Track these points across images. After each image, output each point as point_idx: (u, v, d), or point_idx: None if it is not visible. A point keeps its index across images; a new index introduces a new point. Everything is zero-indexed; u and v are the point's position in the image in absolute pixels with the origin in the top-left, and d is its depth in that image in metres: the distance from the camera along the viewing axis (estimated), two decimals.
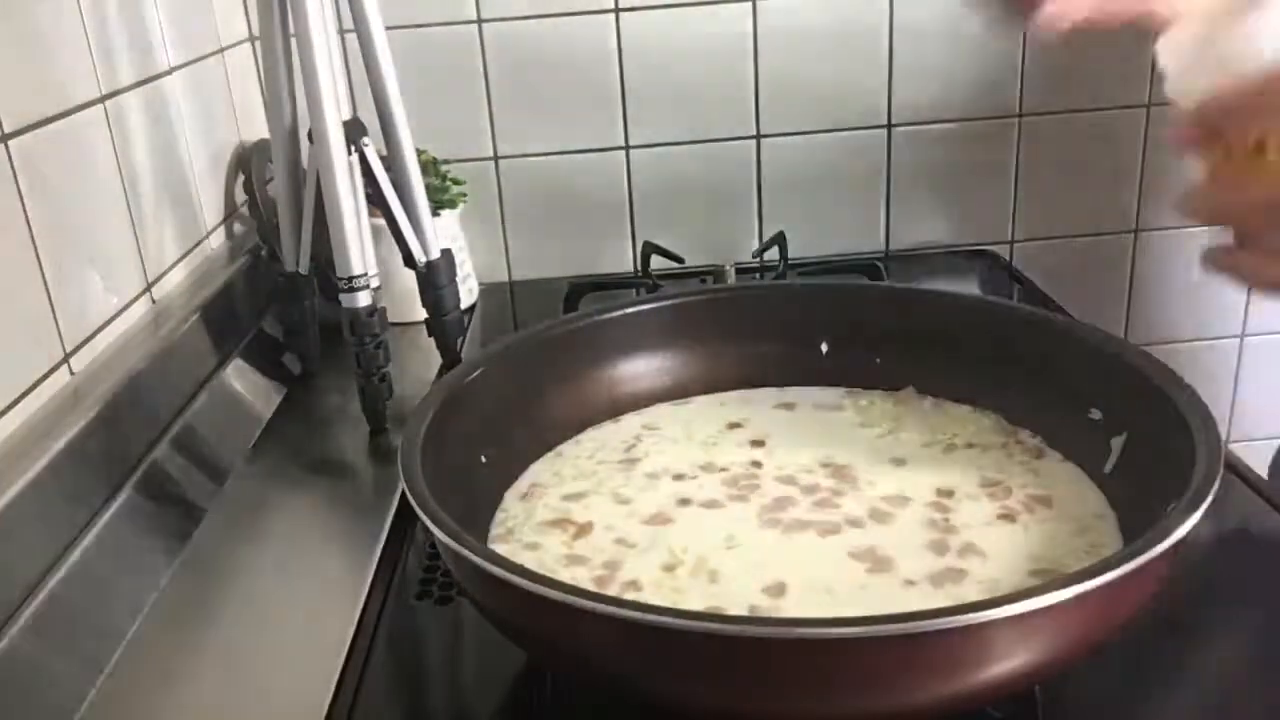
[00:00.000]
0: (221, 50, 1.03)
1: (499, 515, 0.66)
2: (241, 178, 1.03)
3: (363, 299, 0.82)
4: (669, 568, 0.59)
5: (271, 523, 0.75)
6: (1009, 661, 0.45)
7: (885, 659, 0.44)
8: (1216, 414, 0.56)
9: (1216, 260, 0.56)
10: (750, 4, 1.12)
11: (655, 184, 1.18)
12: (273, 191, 0.93)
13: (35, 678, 0.56)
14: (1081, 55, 1.15)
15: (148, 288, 0.84)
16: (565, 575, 0.59)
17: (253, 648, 0.62)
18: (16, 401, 0.64)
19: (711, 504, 0.65)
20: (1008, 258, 1.22)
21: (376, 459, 0.83)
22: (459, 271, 0.95)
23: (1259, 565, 0.66)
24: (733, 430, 0.74)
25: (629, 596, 0.56)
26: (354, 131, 0.82)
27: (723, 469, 0.69)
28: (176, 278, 0.89)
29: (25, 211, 0.67)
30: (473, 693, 0.61)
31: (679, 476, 0.68)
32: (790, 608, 0.55)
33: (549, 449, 0.72)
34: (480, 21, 1.11)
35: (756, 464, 0.69)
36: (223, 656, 0.61)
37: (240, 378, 0.89)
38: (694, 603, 0.56)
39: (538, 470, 0.70)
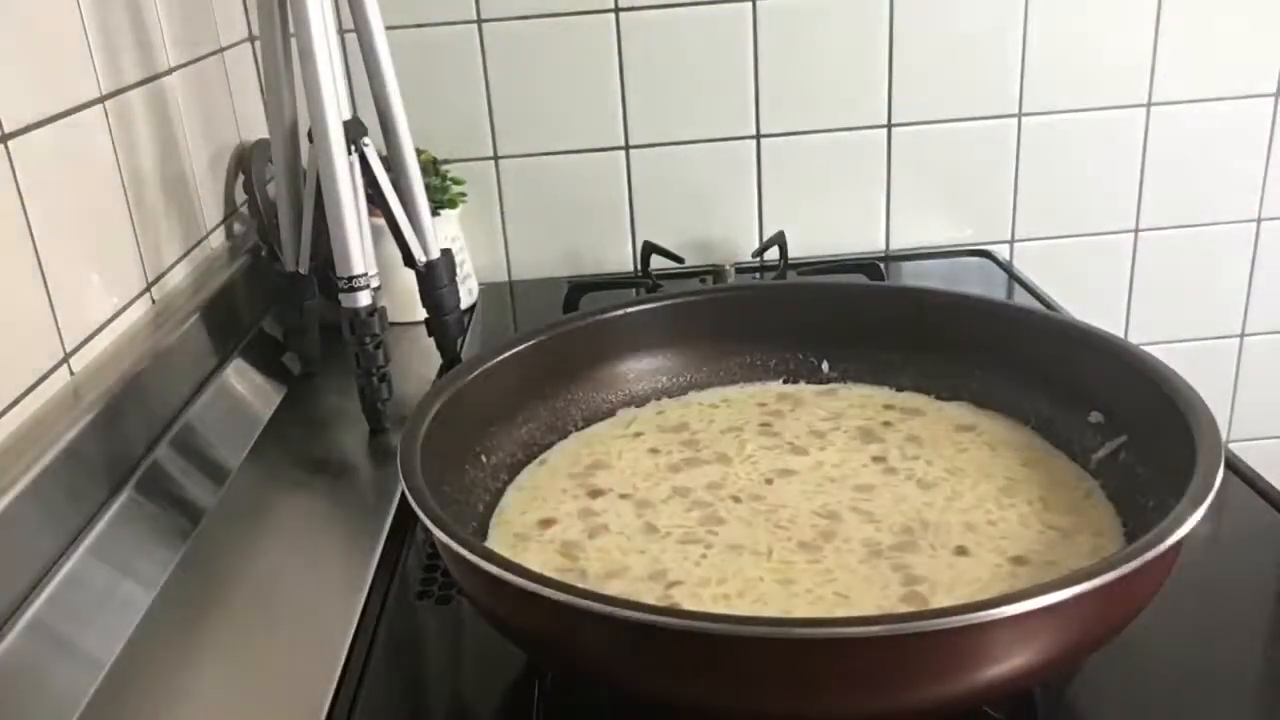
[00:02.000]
0: (221, 50, 1.03)
1: (499, 515, 0.66)
2: (241, 178, 1.03)
3: (363, 299, 0.82)
4: (659, 575, 0.59)
5: (271, 523, 0.75)
6: (1009, 661, 0.45)
7: (885, 659, 0.44)
8: (1216, 414, 0.56)
9: None
10: (750, 4, 1.12)
11: (655, 184, 1.18)
12: (273, 191, 0.93)
13: (35, 678, 0.56)
14: (1081, 54, 1.15)
15: (148, 288, 0.84)
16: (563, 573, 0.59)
17: (253, 647, 0.62)
18: (16, 401, 0.64)
19: (700, 499, 0.66)
20: (1008, 258, 1.22)
21: (376, 459, 0.83)
22: (459, 271, 0.95)
23: (1259, 565, 0.66)
24: (730, 431, 0.74)
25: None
26: (354, 131, 0.82)
27: (715, 462, 0.69)
28: (177, 278, 0.89)
29: (25, 211, 0.67)
30: (473, 693, 0.61)
31: (675, 469, 0.69)
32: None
33: (548, 448, 0.72)
34: (480, 21, 1.11)
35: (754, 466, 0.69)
36: (223, 656, 0.61)
37: (240, 378, 0.89)
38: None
39: (537, 470, 0.70)
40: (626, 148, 1.17)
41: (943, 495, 0.64)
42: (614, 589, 0.57)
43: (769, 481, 0.67)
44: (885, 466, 0.68)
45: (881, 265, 1.14)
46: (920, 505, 0.63)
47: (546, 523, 0.64)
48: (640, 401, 0.77)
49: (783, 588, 0.56)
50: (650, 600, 0.56)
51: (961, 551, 0.59)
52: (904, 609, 0.54)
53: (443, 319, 0.91)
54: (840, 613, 0.54)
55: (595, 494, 0.67)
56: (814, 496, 0.65)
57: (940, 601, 0.55)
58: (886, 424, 0.73)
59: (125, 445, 0.71)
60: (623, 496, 0.66)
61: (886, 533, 0.61)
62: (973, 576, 0.57)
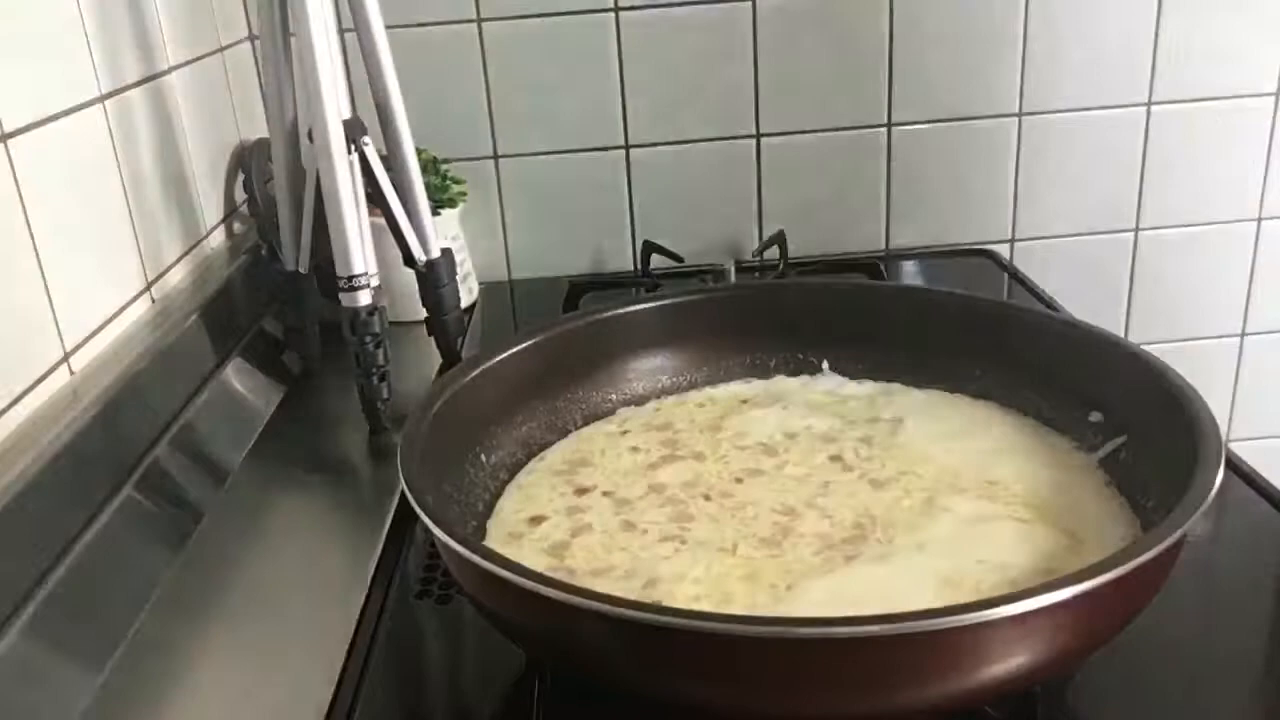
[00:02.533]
0: (221, 50, 1.03)
1: (498, 515, 0.66)
2: (241, 177, 1.03)
3: (363, 298, 0.82)
4: (638, 573, 0.59)
5: (271, 523, 0.75)
6: (1009, 661, 0.45)
7: (885, 659, 0.44)
8: (1216, 414, 0.56)
9: None
10: (750, 3, 1.12)
11: (655, 184, 1.18)
12: (273, 191, 0.93)
13: (35, 678, 0.56)
14: (1081, 54, 1.15)
15: (148, 287, 0.84)
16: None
17: (253, 647, 0.62)
18: (16, 401, 0.64)
19: (674, 496, 0.66)
20: (1008, 258, 1.22)
21: (376, 459, 0.83)
22: (459, 271, 0.95)
23: (1259, 565, 0.66)
24: (728, 431, 0.74)
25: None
26: (354, 131, 0.82)
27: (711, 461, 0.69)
28: (176, 277, 0.89)
29: (25, 211, 0.67)
30: (473, 693, 0.61)
31: (654, 467, 0.69)
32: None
33: (548, 448, 0.72)
34: (480, 21, 1.11)
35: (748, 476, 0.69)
36: (223, 656, 0.61)
37: (240, 377, 0.89)
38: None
39: (534, 469, 0.70)
40: (626, 148, 1.17)
41: (935, 495, 0.64)
42: (599, 588, 0.57)
43: (739, 480, 0.67)
44: (861, 461, 0.68)
45: (881, 265, 1.14)
46: (876, 500, 0.64)
47: (536, 520, 0.65)
48: (640, 401, 0.77)
49: (747, 583, 0.57)
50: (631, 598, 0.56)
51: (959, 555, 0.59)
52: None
53: (443, 319, 0.91)
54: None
55: (581, 492, 0.67)
56: (779, 494, 0.65)
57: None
58: (878, 421, 0.73)
59: (125, 445, 0.71)
60: (605, 494, 0.67)
61: (839, 528, 0.61)
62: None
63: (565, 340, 0.75)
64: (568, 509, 0.66)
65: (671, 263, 1.12)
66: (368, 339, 0.82)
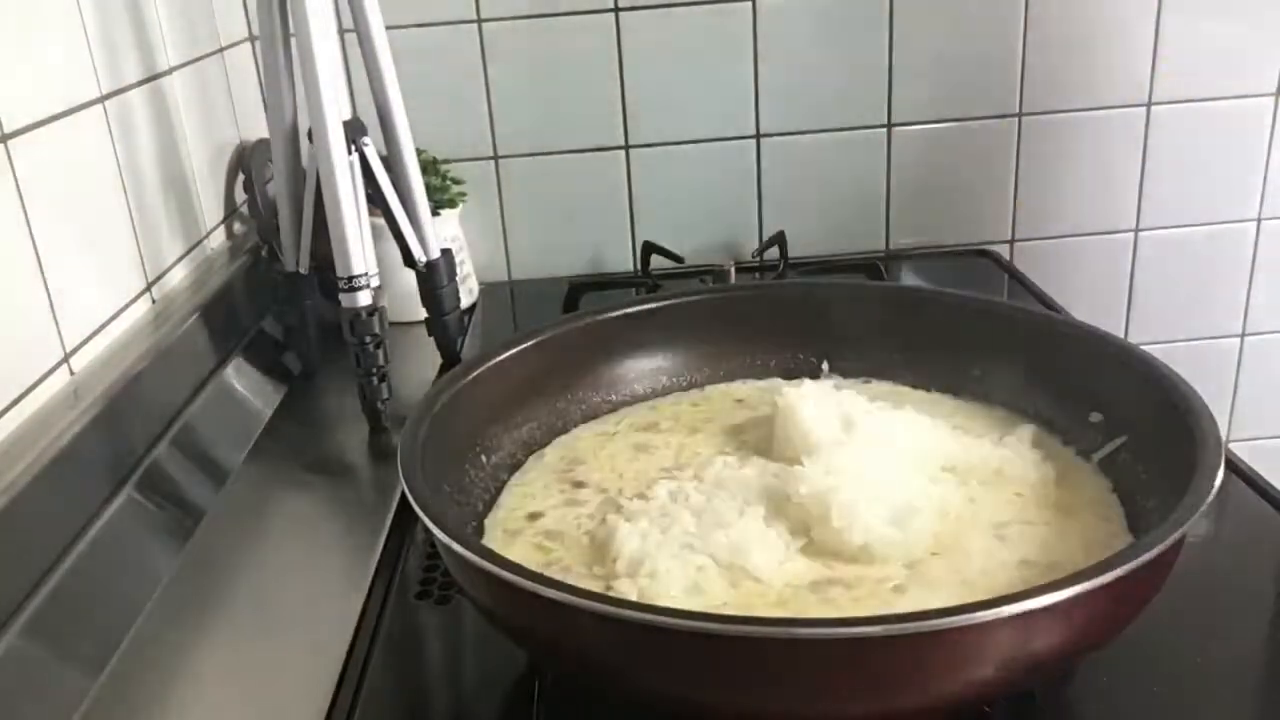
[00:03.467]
0: (221, 50, 1.03)
1: (498, 514, 0.66)
2: (241, 178, 1.03)
3: (363, 299, 0.82)
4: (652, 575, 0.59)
5: (271, 523, 0.75)
6: (1009, 661, 0.45)
7: (885, 659, 0.44)
8: (1216, 414, 0.56)
9: None
10: (750, 4, 1.12)
11: (655, 184, 1.18)
12: (273, 191, 0.93)
13: (35, 678, 0.56)
14: (1081, 54, 1.15)
15: (148, 288, 0.84)
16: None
17: (253, 647, 0.62)
18: (16, 401, 0.64)
19: (656, 494, 0.65)
20: (1008, 258, 1.22)
21: (376, 459, 0.83)
22: (459, 271, 0.95)
23: (1259, 565, 0.66)
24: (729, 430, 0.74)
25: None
26: (354, 131, 0.82)
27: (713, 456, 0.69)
28: (176, 278, 0.89)
29: (25, 211, 0.67)
30: (473, 693, 0.61)
31: (673, 472, 0.69)
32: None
33: (547, 447, 0.72)
34: (480, 21, 1.11)
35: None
36: (223, 656, 0.61)
37: (240, 377, 0.89)
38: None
39: (535, 467, 0.70)
40: (626, 148, 1.17)
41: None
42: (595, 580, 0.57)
43: (723, 478, 0.66)
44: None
45: (881, 265, 1.14)
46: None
47: (534, 516, 0.65)
48: (640, 401, 0.77)
49: (753, 583, 0.57)
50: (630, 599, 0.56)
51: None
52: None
53: (443, 319, 0.91)
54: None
55: (578, 488, 0.67)
56: (766, 491, 0.64)
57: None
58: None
59: (125, 445, 0.71)
60: (602, 491, 0.67)
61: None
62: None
63: (565, 340, 0.75)
64: (565, 504, 0.66)
65: (671, 263, 1.12)
66: (368, 339, 0.82)
